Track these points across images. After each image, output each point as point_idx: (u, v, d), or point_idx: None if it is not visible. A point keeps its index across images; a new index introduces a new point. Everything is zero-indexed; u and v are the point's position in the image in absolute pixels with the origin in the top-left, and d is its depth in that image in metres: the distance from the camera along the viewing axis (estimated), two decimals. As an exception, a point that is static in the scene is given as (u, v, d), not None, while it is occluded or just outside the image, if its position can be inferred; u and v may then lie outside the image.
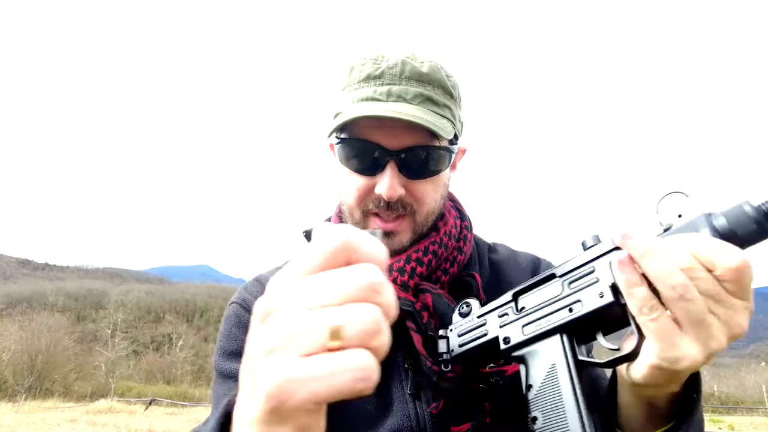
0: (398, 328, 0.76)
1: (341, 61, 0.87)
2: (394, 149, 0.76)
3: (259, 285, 0.91)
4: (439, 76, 0.79)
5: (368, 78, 0.78)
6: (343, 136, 0.79)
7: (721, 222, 0.49)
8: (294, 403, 0.32)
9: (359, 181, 0.79)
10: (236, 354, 0.80)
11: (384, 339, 0.33)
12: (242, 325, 0.83)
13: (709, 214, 0.50)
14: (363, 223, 0.82)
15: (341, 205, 0.87)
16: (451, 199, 0.94)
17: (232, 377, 0.78)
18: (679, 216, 0.52)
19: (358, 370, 0.31)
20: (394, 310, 0.34)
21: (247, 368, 0.36)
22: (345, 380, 0.31)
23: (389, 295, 0.34)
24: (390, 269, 0.77)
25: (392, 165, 0.76)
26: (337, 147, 0.81)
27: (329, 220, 0.94)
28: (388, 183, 0.75)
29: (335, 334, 0.32)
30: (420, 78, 0.78)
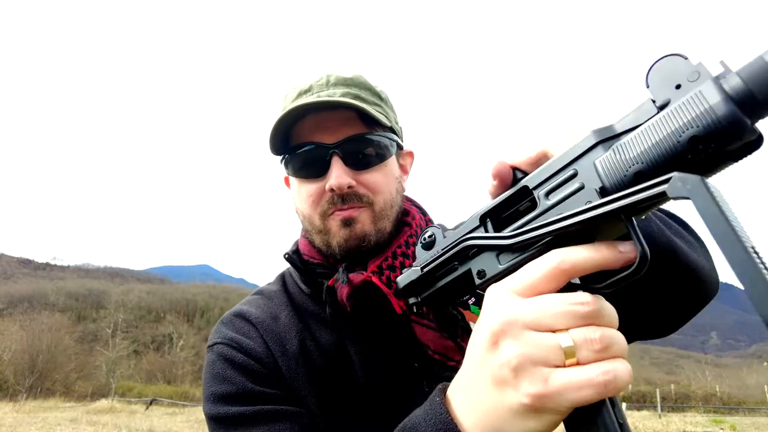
0: (401, 325, 0.79)
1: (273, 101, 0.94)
2: (333, 143, 0.79)
3: (246, 322, 0.84)
4: (363, 80, 0.84)
5: (300, 94, 0.82)
6: (287, 149, 0.83)
7: (734, 83, 0.35)
8: (553, 407, 0.39)
9: (311, 187, 0.81)
10: (237, 396, 0.74)
11: (619, 347, 0.39)
12: (235, 366, 0.77)
13: (718, 77, 0.37)
14: (325, 227, 0.81)
15: (302, 224, 0.87)
16: (409, 200, 0.96)
17: (242, 421, 0.71)
18: (678, 87, 0.39)
19: (602, 378, 0.37)
20: (617, 322, 0.41)
21: (487, 377, 0.42)
22: (597, 386, 0.37)
23: (611, 313, 0.41)
24: (380, 268, 0.78)
25: (336, 158, 0.78)
26: (284, 164, 0.85)
27: (297, 246, 0.91)
28: (335, 173, 0.77)
29: (570, 354, 0.38)
30: (345, 82, 0.82)
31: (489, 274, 0.50)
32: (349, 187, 0.78)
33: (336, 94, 0.79)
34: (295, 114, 0.79)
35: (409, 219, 0.88)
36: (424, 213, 0.94)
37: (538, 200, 0.48)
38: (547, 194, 0.47)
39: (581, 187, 0.44)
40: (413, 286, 0.59)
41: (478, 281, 0.51)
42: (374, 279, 0.76)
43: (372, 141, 0.81)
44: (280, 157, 0.85)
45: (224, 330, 0.82)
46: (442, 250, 0.56)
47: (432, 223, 0.92)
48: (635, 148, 0.40)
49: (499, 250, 0.49)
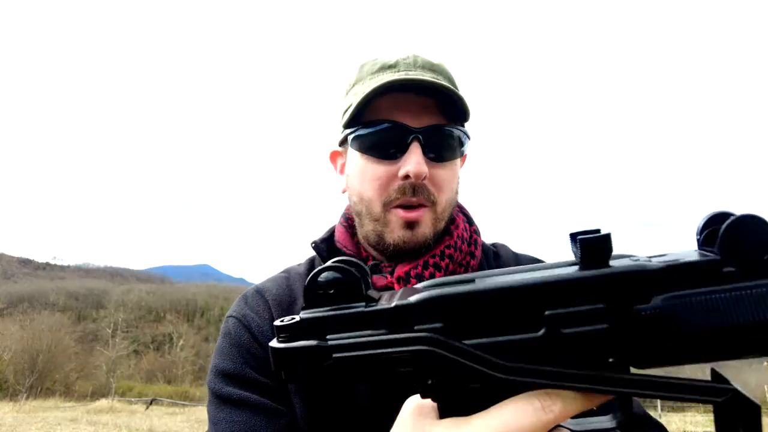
0: None
1: (343, 71, 0.86)
2: (417, 127, 0.74)
3: (262, 299, 0.83)
4: (448, 71, 0.80)
5: (383, 68, 0.77)
6: (360, 124, 0.77)
7: None
8: None
9: (380, 169, 0.75)
10: (232, 376, 0.75)
11: None
12: (239, 345, 0.77)
13: None
14: (384, 218, 0.76)
15: (354, 206, 0.82)
16: (458, 205, 0.91)
17: (229, 402, 0.73)
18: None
19: None
20: None
21: None
22: None
23: None
24: (407, 275, 0.74)
25: (416, 144, 0.73)
26: (353, 139, 0.79)
27: (332, 232, 0.87)
28: (416, 159, 0.72)
29: None
30: (432, 68, 0.77)
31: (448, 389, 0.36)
32: (425, 178, 0.73)
33: (425, 77, 0.74)
34: (380, 88, 0.73)
35: (452, 227, 0.83)
36: (470, 222, 0.89)
37: (543, 321, 0.34)
38: (563, 321, 0.33)
39: (608, 330, 0.33)
40: (309, 357, 0.37)
41: (429, 391, 0.37)
42: (396, 287, 0.73)
43: (453, 135, 0.77)
44: (348, 130, 0.79)
45: (241, 304, 0.83)
46: (381, 336, 0.36)
47: (477, 234, 0.87)
48: (691, 312, 0.32)
49: (478, 375, 0.34)
